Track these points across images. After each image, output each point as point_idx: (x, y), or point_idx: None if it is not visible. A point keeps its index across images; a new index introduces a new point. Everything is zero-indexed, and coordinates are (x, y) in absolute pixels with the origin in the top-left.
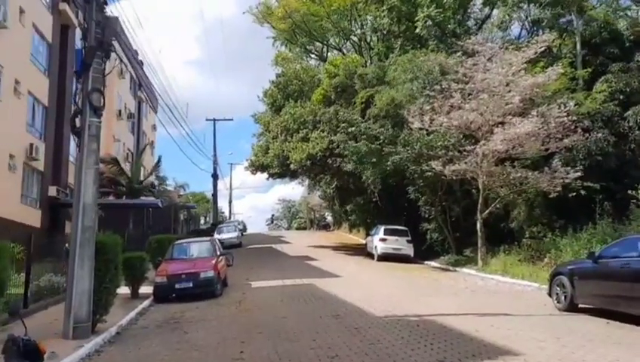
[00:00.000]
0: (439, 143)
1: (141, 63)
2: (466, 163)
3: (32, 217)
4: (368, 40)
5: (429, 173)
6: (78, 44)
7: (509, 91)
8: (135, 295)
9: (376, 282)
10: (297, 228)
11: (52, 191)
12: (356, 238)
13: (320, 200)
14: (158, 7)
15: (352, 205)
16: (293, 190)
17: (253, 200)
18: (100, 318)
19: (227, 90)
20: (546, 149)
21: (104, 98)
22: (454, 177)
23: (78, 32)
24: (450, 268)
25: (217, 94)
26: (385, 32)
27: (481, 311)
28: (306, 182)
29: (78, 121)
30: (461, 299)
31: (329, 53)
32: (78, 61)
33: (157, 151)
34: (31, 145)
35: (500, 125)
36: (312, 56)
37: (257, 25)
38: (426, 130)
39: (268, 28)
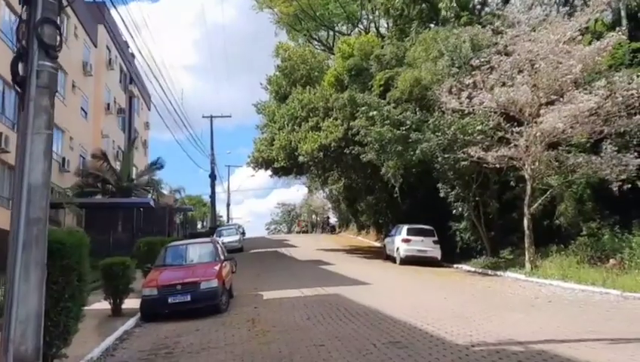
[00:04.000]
0: (478, 127)
1: (132, 56)
2: (511, 148)
3: (3, 219)
4: (379, 25)
5: (464, 163)
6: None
7: (560, 63)
8: (117, 312)
9: (417, 291)
10: (298, 232)
11: None
12: (366, 241)
13: (322, 202)
14: (156, 13)
15: (362, 205)
16: (298, 192)
17: (252, 206)
18: (56, 352)
19: (226, 96)
20: (600, 132)
21: (61, 34)
22: (498, 165)
23: None
24: (490, 272)
25: (216, 99)
26: (398, 15)
27: (594, 333)
28: (308, 184)
29: (21, 67)
30: (546, 313)
31: (335, 43)
32: None
33: (150, 153)
34: None
35: (548, 104)
36: (317, 45)
37: (256, 11)
38: (461, 111)
39: (268, 14)
